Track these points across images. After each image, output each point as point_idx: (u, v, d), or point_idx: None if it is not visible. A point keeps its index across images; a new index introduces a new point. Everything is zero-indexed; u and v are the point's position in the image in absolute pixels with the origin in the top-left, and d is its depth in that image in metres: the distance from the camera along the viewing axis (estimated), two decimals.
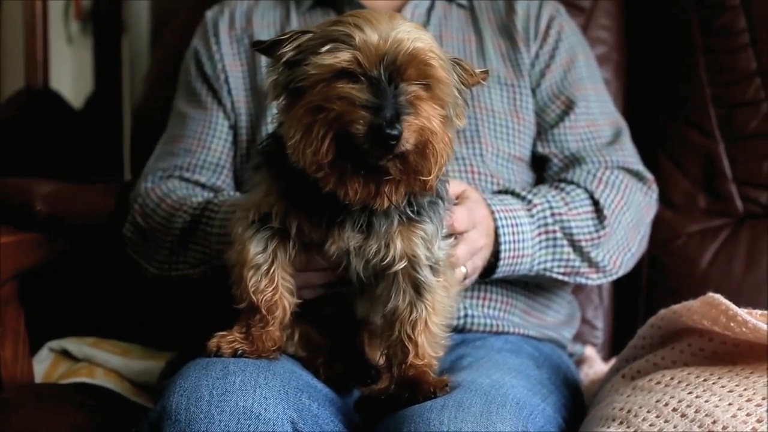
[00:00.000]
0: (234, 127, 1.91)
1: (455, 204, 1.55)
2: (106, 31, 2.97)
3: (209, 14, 2.02)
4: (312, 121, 1.29)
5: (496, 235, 1.66)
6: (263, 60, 1.90)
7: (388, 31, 1.29)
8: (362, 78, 1.28)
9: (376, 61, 1.28)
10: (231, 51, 1.95)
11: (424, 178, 1.31)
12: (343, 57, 1.28)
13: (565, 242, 1.75)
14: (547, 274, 1.77)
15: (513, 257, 1.69)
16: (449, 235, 1.48)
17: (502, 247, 1.67)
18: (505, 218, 1.68)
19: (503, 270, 1.70)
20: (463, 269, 1.59)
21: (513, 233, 1.68)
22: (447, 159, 1.33)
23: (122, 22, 2.94)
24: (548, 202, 1.75)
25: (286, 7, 1.98)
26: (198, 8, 2.10)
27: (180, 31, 2.28)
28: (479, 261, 1.64)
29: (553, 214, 1.74)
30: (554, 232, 1.74)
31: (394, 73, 1.28)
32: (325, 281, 1.51)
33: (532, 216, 1.72)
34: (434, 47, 1.33)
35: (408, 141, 1.27)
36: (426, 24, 1.92)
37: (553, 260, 1.76)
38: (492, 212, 1.66)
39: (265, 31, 1.95)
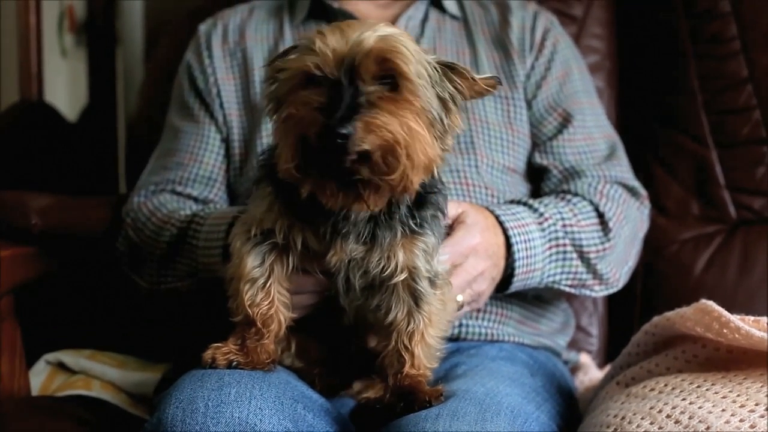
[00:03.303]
0: (226, 141, 1.91)
1: (451, 228, 1.57)
2: (100, 43, 2.96)
3: (202, 28, 2.02)
4: (284, 129, 1.31)
5: (510, 253, 1.67)
6: (257, 74, 1.91)
7: (356, 35, 1.28)
8: (324, 82, 1.28)
9: (336, 63, 1.28)
10: (224, 65, 1.95)
11: (391, 178, 1.28)
12: (303, 62, 1.29)
13: (574, 255, 1.76)
14: (555, 286, 1.78)
15: (525, 272, 1.70)
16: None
17: (517, 264, 1.68)
18: (519, 234, 1.68)
19: (516, 285, 1.71)
20: (459, 298, 1.60)
21: (526, 249, 1.69)
22: (426, 160, 1.30)
23: (116, 34, 2.94)
24: (559, 213, 1.76)
25: (280, 21, 1.98)
26: (192, 21, 2.10)
27: (174, 43, 2.28)
28: (483, 285, 1.64)
29: (564, 226, 1.75)
30: (564, 245, 1.75)
31: (354, 73, 1.28)
32: (315, 289, 1.51)
33: (543, 230, 1.72)
34: (401, 44, 1.30)
35: (363, 140, 1.25)
36: (420, 36, 1.93)
37: (562, 273, 1.76)
38: (505, 229, 1.67)
39: (258, 45, 1.95)
